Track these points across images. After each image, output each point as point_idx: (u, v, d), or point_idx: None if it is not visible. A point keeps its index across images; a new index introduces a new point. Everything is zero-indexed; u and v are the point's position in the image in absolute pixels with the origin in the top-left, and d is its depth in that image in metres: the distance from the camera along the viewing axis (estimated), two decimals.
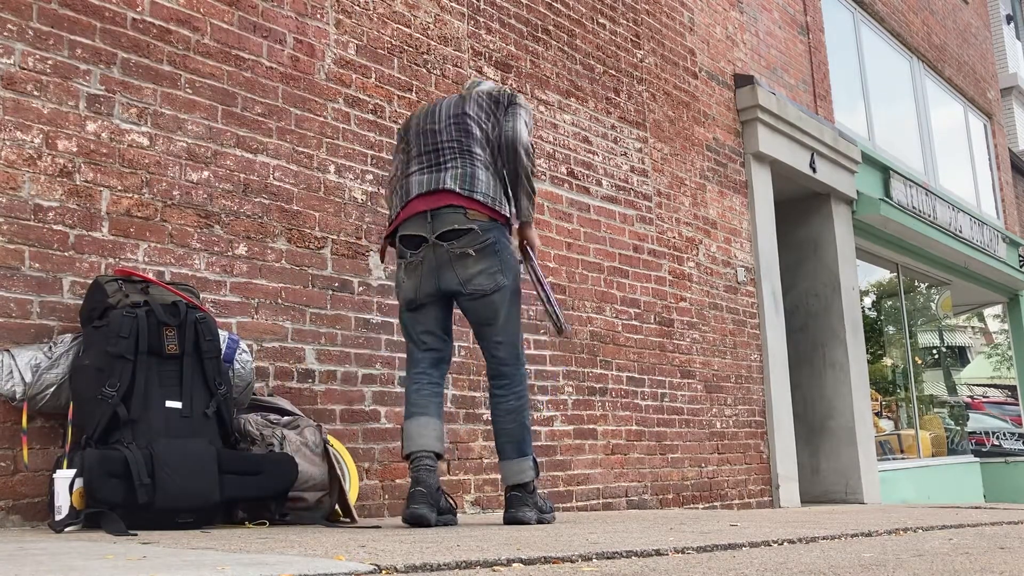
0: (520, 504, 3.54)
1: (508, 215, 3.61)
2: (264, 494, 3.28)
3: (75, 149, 3.42)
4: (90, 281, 3.31)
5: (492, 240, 3.51)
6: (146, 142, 3.63)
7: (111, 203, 3.49)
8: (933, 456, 11.00)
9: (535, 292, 3.81)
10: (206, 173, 3.80)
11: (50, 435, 3.23)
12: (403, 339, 4.27)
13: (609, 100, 6.08)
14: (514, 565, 2.17)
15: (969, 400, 13.70)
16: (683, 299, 6.45)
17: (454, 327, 4.68)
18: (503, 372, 3.60)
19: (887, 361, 11.50)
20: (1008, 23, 18.11)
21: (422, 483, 3.34)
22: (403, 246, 3.58)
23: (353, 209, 4.34)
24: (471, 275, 3.50)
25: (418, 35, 4.84)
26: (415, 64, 4.78)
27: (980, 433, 13.35)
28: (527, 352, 5.06)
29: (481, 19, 5.24)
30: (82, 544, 2.41)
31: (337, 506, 3.58)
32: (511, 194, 3.66)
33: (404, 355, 4.44)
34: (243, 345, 3.60)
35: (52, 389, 3.14)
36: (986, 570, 2.23)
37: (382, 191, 4.48)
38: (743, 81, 7.51)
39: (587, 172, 5.78)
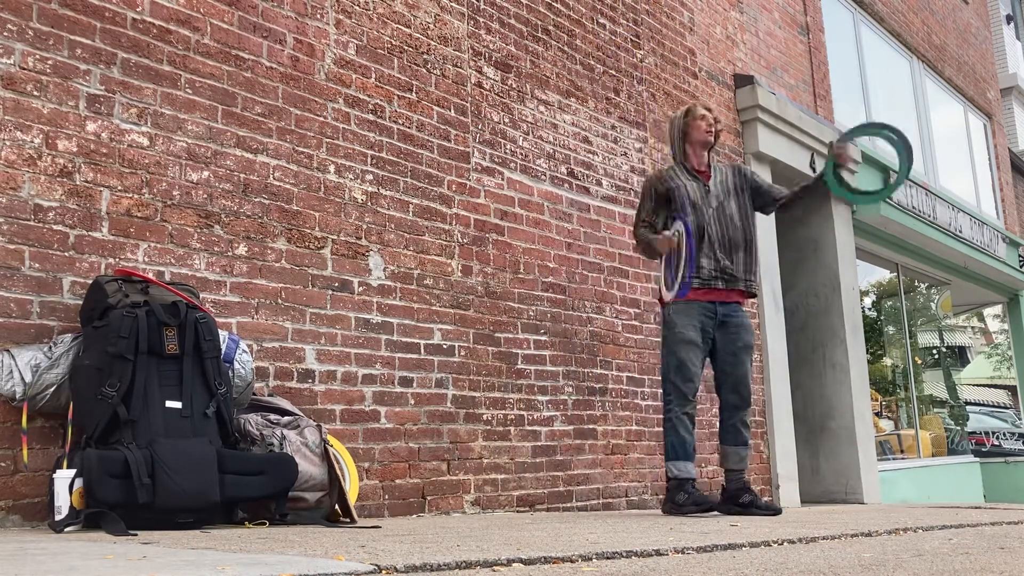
0: (665, 498, 4.40)
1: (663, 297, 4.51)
2: (264, 494, 3.28)
3: (75, 149, 3.42)
4: (90, 281, 3.31)
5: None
6: (146, 142, 3.63)
7: (111, 203, 3.49)
8: (933, 456, 11.00)
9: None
10: (206, 173, 3.80)
11: (50, 435, 3.23)
12: (404, 339, 4.50)
13: (609, 100, 6.08)
14: (514, 565, 2.17)
15: None
16: None
17: (452, 326, 4.72)
18: None
19: (887, 361, 11.50)
20: (1008, 23, 18.10)
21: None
22: None
23: (353, 209, 4.34)
24: None
25: (418, 35, 4.84)
26: (415, 64, 4.78)
27: (980, 433, 13.35)
28: (527, 352, 5.07)
29: (481, 19, 5.24)
30: (82, 544, 2.41)
31: (337, 506, 3.58)
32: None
33: (404, 355, 4.45)
34: (243, 345, 3.60)
35: (52, 389, 3.14)
36: (986, 570, 2.23)
37: (382, 191, 4.48)
38: (743, 81, 7.50)
39: (587, 172, 5.78)
